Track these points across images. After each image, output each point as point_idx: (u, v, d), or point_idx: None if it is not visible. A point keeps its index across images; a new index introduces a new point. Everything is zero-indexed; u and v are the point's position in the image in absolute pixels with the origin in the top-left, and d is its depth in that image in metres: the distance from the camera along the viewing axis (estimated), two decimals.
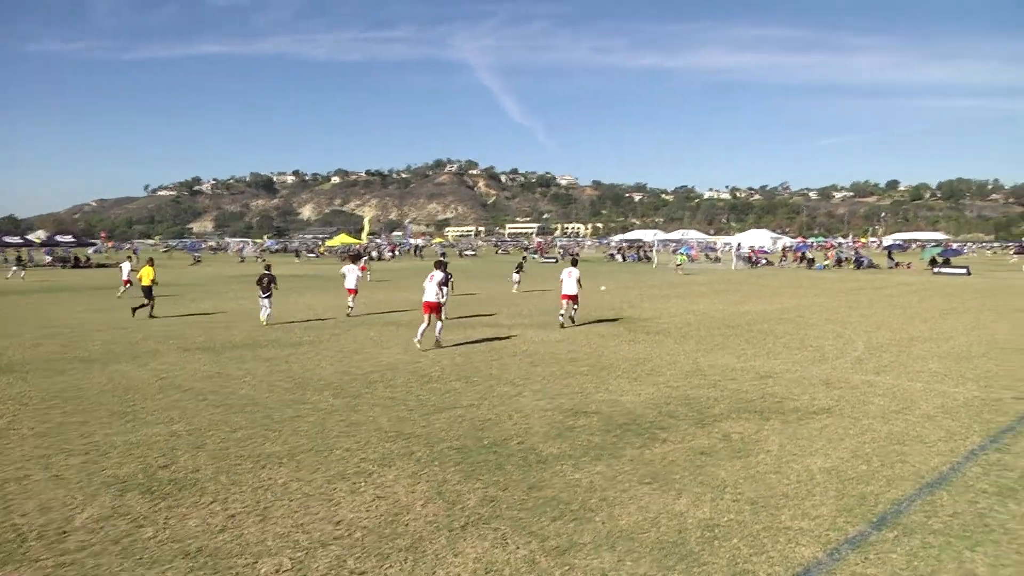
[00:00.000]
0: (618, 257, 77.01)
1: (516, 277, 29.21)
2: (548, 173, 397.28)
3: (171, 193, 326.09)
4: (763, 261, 63.06)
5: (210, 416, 9.01)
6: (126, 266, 25.14)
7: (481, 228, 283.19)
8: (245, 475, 7.02)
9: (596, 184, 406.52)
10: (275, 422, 8.75)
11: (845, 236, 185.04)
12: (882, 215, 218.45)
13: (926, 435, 8.46)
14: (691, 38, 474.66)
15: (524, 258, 43.19)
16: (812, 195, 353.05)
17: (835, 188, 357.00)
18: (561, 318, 17.50)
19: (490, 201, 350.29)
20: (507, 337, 15.80)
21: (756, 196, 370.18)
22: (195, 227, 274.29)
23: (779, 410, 9.51)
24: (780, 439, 8.28)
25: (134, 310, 19.04)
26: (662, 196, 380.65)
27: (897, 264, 55.19)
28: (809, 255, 60.62)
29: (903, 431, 8.60)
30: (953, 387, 10.87)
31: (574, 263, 18.21)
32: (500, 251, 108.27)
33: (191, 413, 9.14)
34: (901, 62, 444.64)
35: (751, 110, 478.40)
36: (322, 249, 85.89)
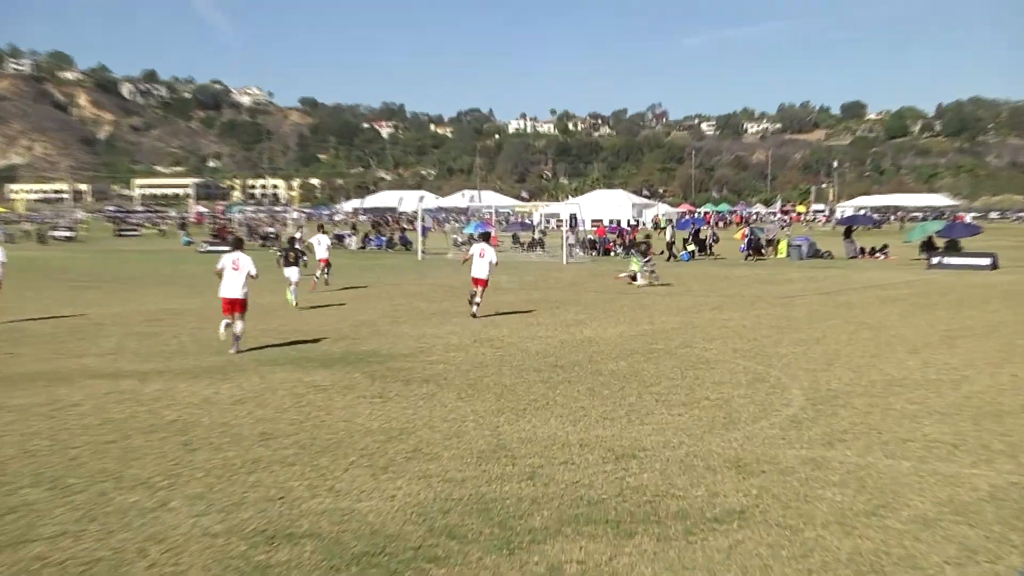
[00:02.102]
0: (349, 240, 77.31)
1: (293, 275, 31.73)
2: (216, 83, 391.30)
3: None
4: (622, 247, 66.43)
5: None
6: None
7: (84, 186, 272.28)
8: None
9: (308, 106, 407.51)
10: None
11: (769, 202, 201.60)
12: (834, 164, 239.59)
13: (923, 558, 8.99)
14: None
15: (291, 243, 43.91)
16: (708, 129, 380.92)
17: (748, 116, 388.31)
18: (475, 307, 26.65)
19: (100, 135, 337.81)
20: (131, 396, 15.85)
21: (607, 130, 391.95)
22: None
23: (651, 517, 9.81)
24: (653, 573, 8.45)
25: None
26: (435, 130, 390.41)
27: (864, 251, 60.70)
28: (687, 240, 64.51)
29: (880, 551, 9.12)
30: (968, 467, 11.85)
31: (486, 238, 29.03)
32: (128, 231, 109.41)
33: None
34: None
35: None
36: None
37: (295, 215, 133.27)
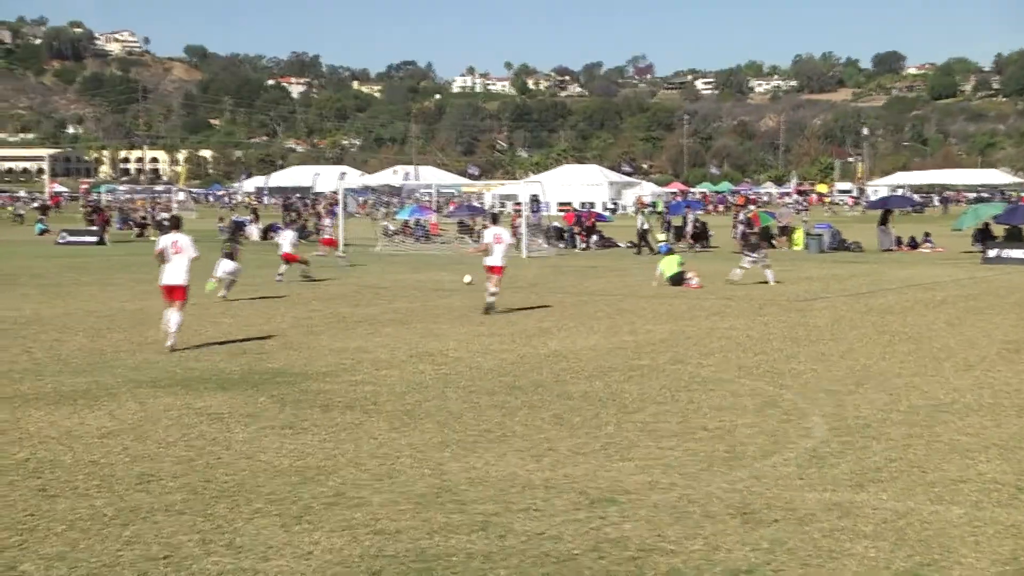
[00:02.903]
0: (249, 229, 77.16)
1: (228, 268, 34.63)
2: (76, 25, 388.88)
3: None
4: (595, 237, 66.56)
5: None
6: None
7: None
8: None
9: (195, 57, 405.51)
10: None
11: (782, 179, 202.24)
12: (864, 132, 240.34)
13: None
14: None
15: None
16: (705, 88, 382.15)
17: (755, 71, 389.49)
18: (492, 298, 30.06)
19: None
20: None
21: (576, 89, 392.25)
22: None
23: None
24: None
25: None
26: (359, 88, 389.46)
27: (902, 242, 61.10)
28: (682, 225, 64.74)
29: None
30: None
31: (495, 220, 34.07)
32: None
33: None
34: None
35: None
36: None
37: (181, 196, 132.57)
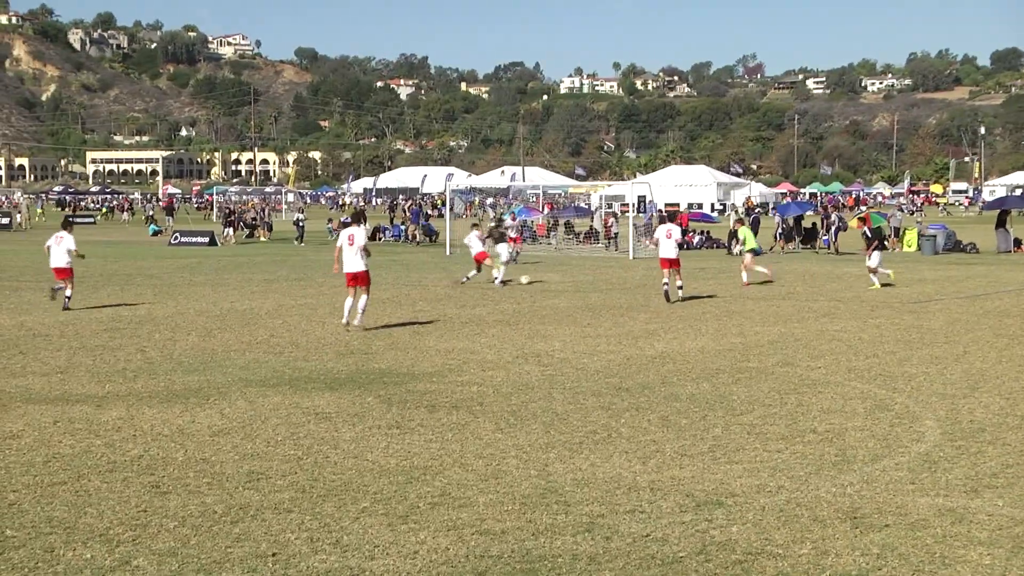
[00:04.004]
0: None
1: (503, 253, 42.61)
2: (190, 30, 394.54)
3: None
4: (703, 236, 66.36)
5: None
6: None
7: (23, 160, 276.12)
8: None
9: (306, 59, 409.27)
10: None
11: (895, 180, 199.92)
12: (981, 131, 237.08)
13: None
14: None
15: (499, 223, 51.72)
16: (816, 87, 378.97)
17: (868, 70, 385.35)
18: (666, 286, 32.93)
19: (43, 96, 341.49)
20: (85, 427, 15.80)
21: (685, 89, 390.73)
22: None
23: None
24: None
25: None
26: (467, 90, 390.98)
27: (1020, 244, 60.16)
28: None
29: None
30: None
31: (669, 218, 36.81)
32: (81, 218, 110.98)
33: None
34: None
35: None
36: None
37: (291, 198, 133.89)
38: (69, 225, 33.59)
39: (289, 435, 15.25)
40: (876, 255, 38.45)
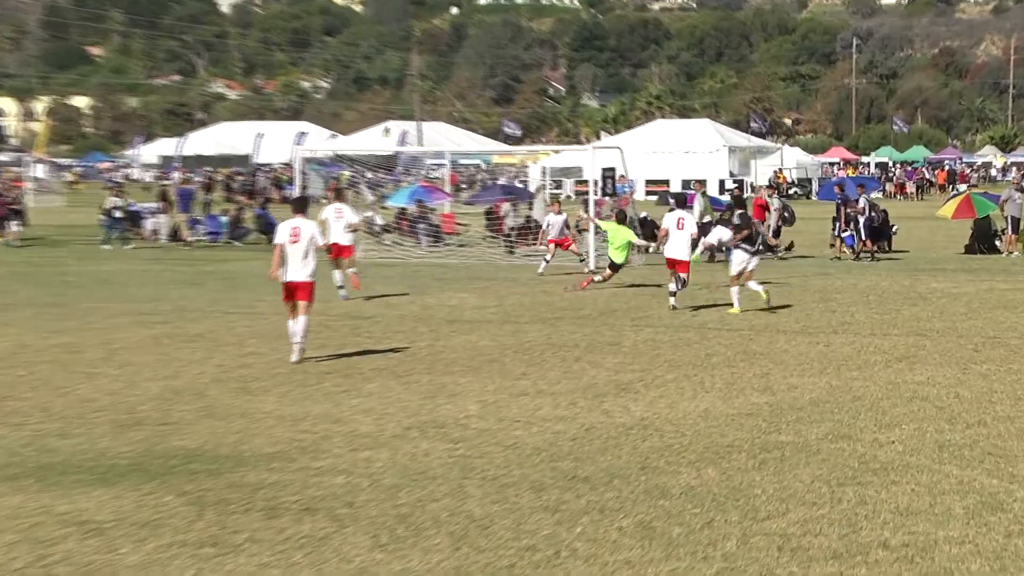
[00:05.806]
0: (155, 221, 78.04)
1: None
2: None
3: None
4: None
5: None
6: None
7: None
8: None
9: None
10: None
11: (1009, 141, 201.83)
12: None
13: None
14: None
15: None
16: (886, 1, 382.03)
17: None
18: (673, 299, 36.41)
19: None
20: None
21: None
22: None
23: None
24: None
25: None
26: (331, 1, 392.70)
27: None
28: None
29: None
30: None
31: (680, 204, 41.02)
32: None
33: None
34: None
35: None
36: None
37: (41, 172, 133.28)
38: None
39: (34, 560, 14.86)
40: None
